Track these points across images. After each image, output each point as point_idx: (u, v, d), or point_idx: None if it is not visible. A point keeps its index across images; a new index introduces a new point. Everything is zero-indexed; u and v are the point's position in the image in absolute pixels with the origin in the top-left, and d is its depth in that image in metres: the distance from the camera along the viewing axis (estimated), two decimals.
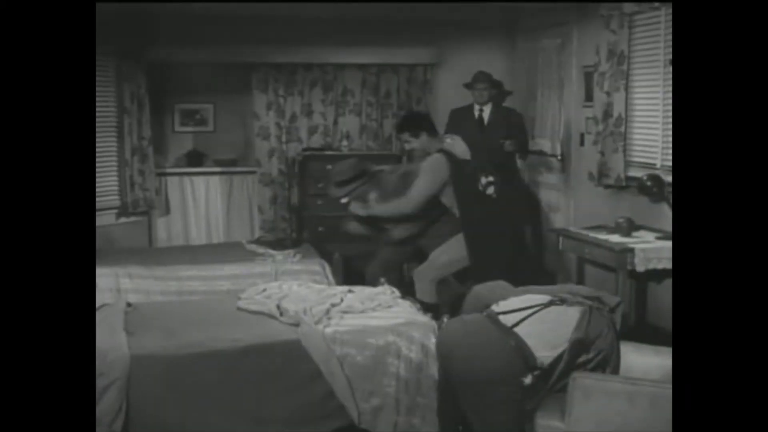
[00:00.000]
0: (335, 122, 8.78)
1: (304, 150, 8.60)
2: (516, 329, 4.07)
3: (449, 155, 6.09)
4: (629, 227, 6.14)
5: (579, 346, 3.98)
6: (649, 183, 6.15)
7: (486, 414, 4.05)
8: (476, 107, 7.86)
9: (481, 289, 4.62)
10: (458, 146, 6.22)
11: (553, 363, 3.99)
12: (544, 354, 4.00)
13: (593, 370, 3.95)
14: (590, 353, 3.99)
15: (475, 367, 4.00)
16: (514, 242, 6.63)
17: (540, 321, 4.11)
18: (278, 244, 7.33)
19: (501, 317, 4.16)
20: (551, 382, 3.97)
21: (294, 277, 6.24)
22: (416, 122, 6.41)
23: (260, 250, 7.05)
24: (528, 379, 3.95)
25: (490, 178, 6.11)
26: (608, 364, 4.03)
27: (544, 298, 4.23)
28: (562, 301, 4.18)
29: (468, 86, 7.86)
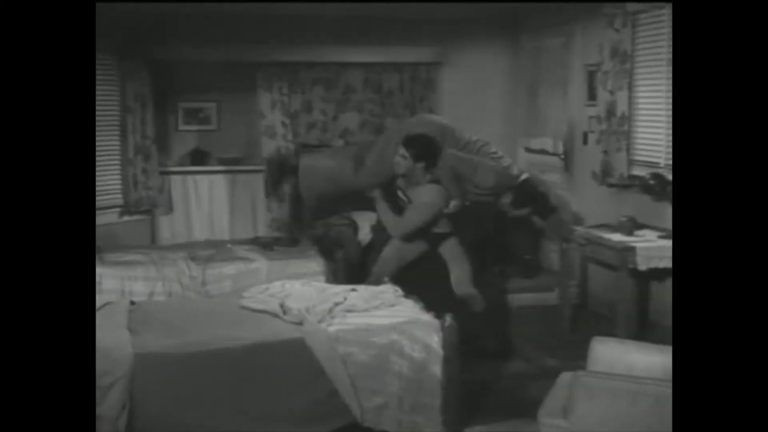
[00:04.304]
0: (335, 118, 8.77)
1: (302, 146, 8.50)
2: None
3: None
4: (632, 226, 6.13)
5: None
6: (652, 182, 6.15)
7: None
8: None
9: None
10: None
11: None
12: None
13: None
14: None
15: None
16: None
17: None
18: (274, 244, 7.33)
19: None
20: None
21: (290, 276, 6.20)
22: (428, 149, 5.98)
23: (241, 250, 7.01)
24: None
25: None
26: None
27: None
28: None
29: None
